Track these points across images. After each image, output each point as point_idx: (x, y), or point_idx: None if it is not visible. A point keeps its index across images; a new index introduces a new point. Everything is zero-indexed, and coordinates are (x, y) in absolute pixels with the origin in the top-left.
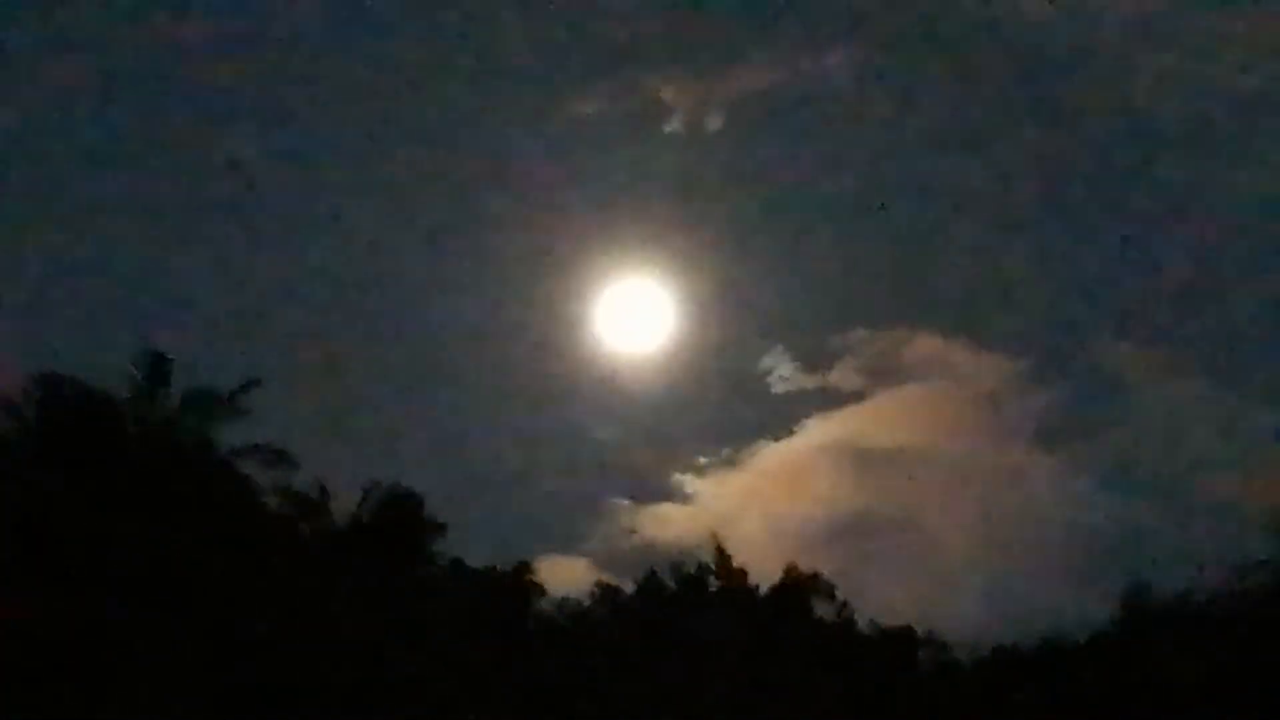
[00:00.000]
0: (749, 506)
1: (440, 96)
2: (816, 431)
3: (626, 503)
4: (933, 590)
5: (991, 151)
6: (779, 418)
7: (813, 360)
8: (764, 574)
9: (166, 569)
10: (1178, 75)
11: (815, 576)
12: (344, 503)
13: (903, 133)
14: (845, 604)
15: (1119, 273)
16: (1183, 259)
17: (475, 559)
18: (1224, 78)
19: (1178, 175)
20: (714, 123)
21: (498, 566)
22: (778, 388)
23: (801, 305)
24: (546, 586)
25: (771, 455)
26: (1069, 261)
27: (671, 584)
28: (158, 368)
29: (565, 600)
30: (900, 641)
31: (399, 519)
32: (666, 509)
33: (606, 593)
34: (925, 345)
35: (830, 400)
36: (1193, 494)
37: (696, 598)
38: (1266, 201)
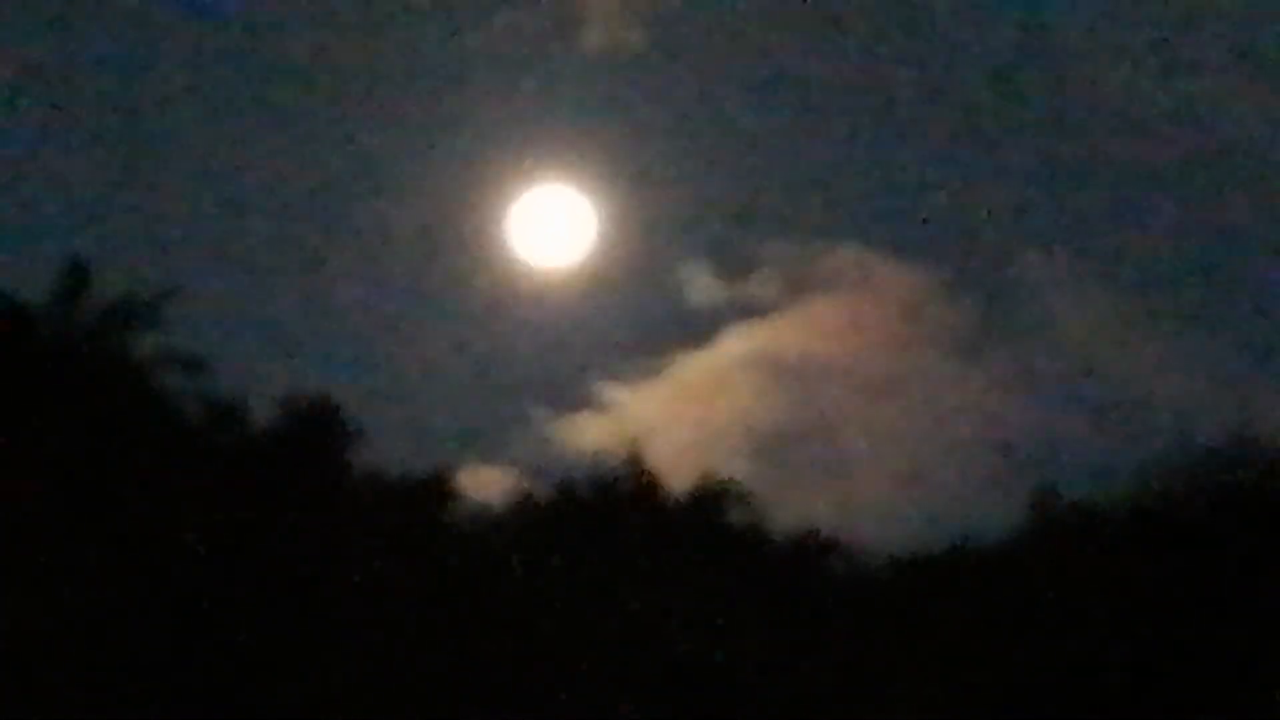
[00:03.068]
0: (668, 417)
1: (353, 6)
2: (735, 342)
3: (546, 411)
4: (851, 500)
5: (917, 64)
6: (697, 328)
7: (731, 270)
8: (681, 483)
9: (80, 478)
10: None
11: (729, 483)
12: (262, 412)
13: (822, 44)
14: (759, 511)
15: (1038, 184)
16: (1102, 171)
17: (394, 469)
18: None
19: (1092, 82)
20: (634, 35)
21: (414, 475)
22: (696, 298)
23: (720, 215)
24: (465, 495)
25: (690, 365)
26: (989, 172)
27: (587, 492)
28: (76, 275)
29: (483, 508)
30: (812, 549)
31: (316, 428)
32: (586, 418)
33: (522, 501)
34: (845, 256)
35: (749, 311)
36: (1104, 400)
37: (610, 505)
38: (1185, 115)
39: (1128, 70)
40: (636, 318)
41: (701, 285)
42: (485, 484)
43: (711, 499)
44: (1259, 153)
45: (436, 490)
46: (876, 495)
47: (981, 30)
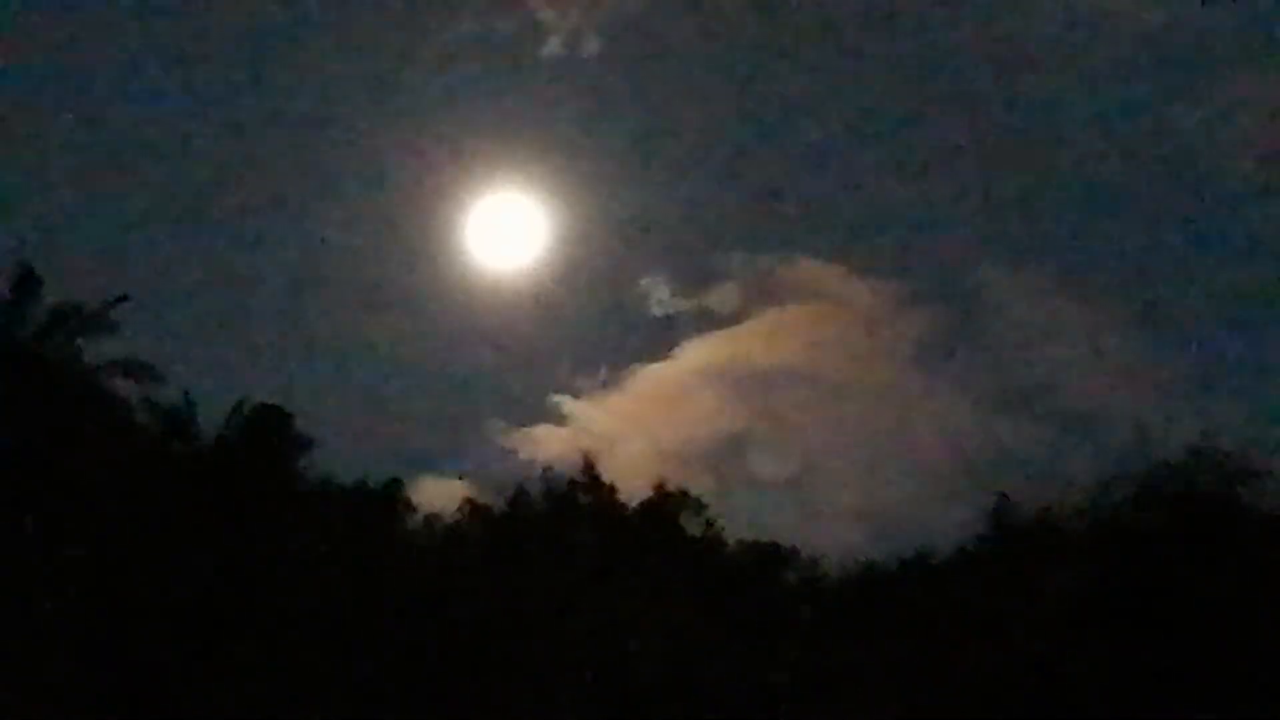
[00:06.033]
0: (627, 428)
1: (317, 16)
2: (695, 353)
3: (503, 424)
4: (810, 509)
5: (870, 77)
6: (657, 339)
7: (691, 283)
8: (639, 494)
9: (30, 483)
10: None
11: (684, 493)
12: (213, 418)
13: (781, 57)
14: (713, 521)
15: (999, 197)
16: (1063, 185)
17: (348, 478)
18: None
19: (1047, 97)
20: (591, 45)
21: (369, 483)
22: (656, 310)
23: (680, 228)
24: (421, 506)
25: (649, 377)
26: (944, 186)
27: (541, 501)
28: (25, 282)
29: (434, 517)
30: (767, 558)
31: (267, 434)
32: (543, 430)
33: (475, 510)
34: (804, 269)
35: (708, 322)
36: (1063, 412)
37: (565, 514)
38: (1136, 126)
39: (1090, 87)
40: (595, 329)
41: (661, 296)
42: (443, 495)
43: (666, 509)
44: (1221, 169)
45: (389, 499)
46: (834, 504)
47: (944, 46)
